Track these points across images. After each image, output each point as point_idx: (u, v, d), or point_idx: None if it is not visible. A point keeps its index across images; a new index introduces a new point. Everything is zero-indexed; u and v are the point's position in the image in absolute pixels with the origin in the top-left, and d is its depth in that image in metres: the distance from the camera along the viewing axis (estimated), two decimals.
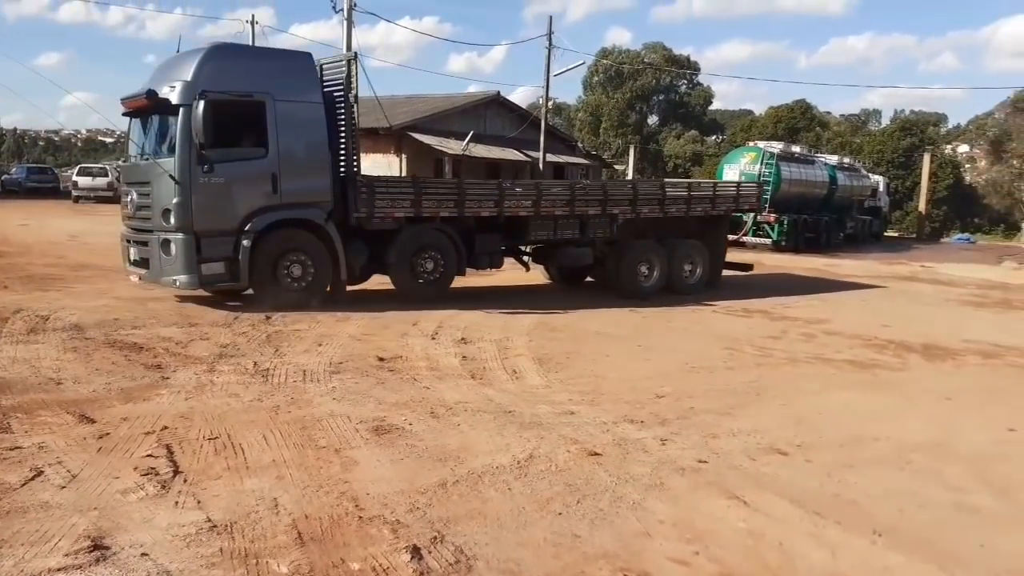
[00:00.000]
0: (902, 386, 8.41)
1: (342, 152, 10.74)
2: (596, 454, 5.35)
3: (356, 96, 10.69)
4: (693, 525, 4.43)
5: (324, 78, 10.77)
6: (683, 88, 61.23)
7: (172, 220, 9.39)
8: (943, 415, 7.30)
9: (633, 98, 57.91)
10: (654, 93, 59.57)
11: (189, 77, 9.35)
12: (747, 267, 16.01)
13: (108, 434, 5.33)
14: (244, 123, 9.59)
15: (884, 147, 45.05)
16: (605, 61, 55.71)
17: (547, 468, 5.07)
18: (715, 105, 66.09)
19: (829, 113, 66.47)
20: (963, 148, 61.24)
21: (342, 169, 10.72)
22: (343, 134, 10.64)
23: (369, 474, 4.80)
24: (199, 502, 4.29)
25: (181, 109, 9.26)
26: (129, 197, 10.15)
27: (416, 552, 3.84)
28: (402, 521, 4.18)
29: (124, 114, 10.36)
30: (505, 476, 4.89)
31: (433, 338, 9.26)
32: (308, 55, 10.66)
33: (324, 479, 4.68)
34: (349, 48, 20.23)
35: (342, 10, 20.15)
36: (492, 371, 7.86)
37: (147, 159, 9.82)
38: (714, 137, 60.83)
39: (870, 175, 34.78)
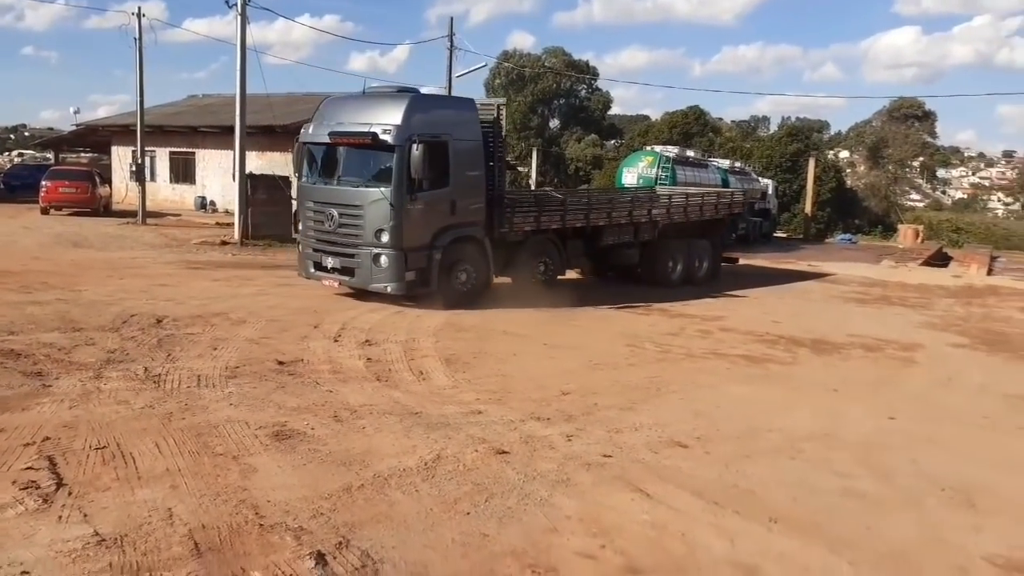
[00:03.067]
0: (793, 379, 8.81)
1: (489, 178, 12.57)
2: (504, 452, 5.36)
3: (504, 135, 13.12)
4: (599, 519, 4.49)
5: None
6: (583, 93, 62.09)
7: (386, 238, 11.17)
8: (830, 406, 7.67)
9: (535, 101, 58.35)
10: (555, 97, 60.19)
11: (399, 122, 11.10)
12: (734, 260, 18.72)
13: None
14: (436, 159, 11.35)
15: (773, 152, 46.98)
16: (507, 64, 56.01)
17: (455, 468, 5.04)
18: (614, 110, 67.44)
19: (721, 119, 69.03)
20: (844, 154, 64.76)
21: (490, 192, 12.45)
22: (491, 164, 12.48)
23: (270, 481, 4.65)
24: (85, 515, 4.04)
25: (397, 149, 11.00)
26: (328, 215, 11.70)
27: (320, 558, 3.74)
28: (305, 527, 4.06)
29: (329, 144, 11.79)
30: (412, 478, 4.83)
31: (336, 340, 9.06)
32: (472, 102, 12.83)
33: (222, 487, 4.50)
34: (243, 44, 19.54)
35: (235, 4, 19.43)
36: (398, 372, 7.76)
37: (362, 186, 11.51)
38: (613, 141, 62.08)
39: (760, 178, 36.23)
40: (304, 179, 12.41)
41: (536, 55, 60.91)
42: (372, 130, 11.09)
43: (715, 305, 14.13)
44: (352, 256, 11.54)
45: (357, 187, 11.53)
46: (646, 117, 73.82)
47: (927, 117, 52.99)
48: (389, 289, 11.37)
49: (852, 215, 48.28)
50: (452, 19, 28.65)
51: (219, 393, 6.50)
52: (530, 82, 58.16)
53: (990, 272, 25.06)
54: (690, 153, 30.31)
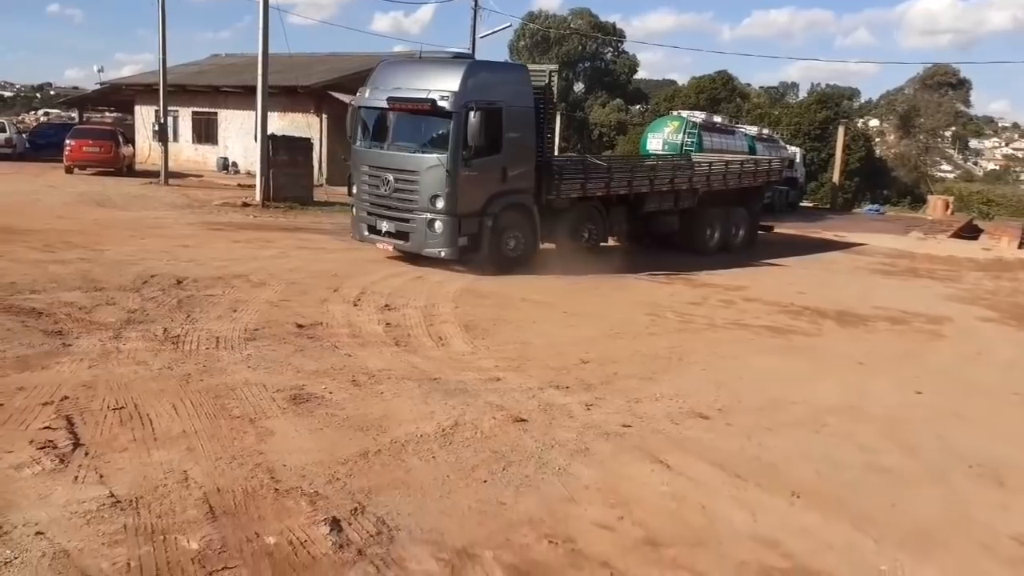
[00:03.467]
0: (817, 351, 8.66)
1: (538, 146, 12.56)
2: (522, 420, 5.30)
3: (555, 103, 13.19)
4: (618, 490, 4.43)
5: None
6: (609, 56, 61.19)
7: (441, 204, 11.26)
8: (856, 379, 7.54)
9: (560, 64, 57.65)
10: (580, 60, 59.35)
11: (457, 89, 11.07)
12: (770, 228, 18.94)
13: (1, 405, 4.97)
14: (490, 126, 11.30)
15: (801, 119, 46.08)
16: (532, 26, 55.23)
17: (472, 435, 4.99)
18: (640, 75, 66.42)
19: (749, 85, 67.66)
20: (874, 123, 63.51)
21: (539, 159, 12.44)
22: (541, 130, 12.45)
23: (286, 445, 4.62)
24: (101, 476, 4.03)
25: (454, 115, 11.05)
26: (383, 179, 11.79)
27: (335, 524, 3.71)
28: (321, 493, 4.03)
29: (387, 109, 11.78)
30: (429, 444, 4.78)
31: (355, 304, 9.02)
32: (525, 68, 13.02)
33: (238, 451, 4.48)
34: (267, 4, 19.35)
35: None
36: (417, 338, 7.71)
37: (418, 151, 11.57)
38: (638, 106, 61.22)
39: (787, 146, 35.60)
40: (359, 143, 12.41)
41: (562, 16, 59.96)
42: (430, 96, 11.12)
43: (738, 275, 13.92)
44: (407, 221, 11.68)
45: (413, 152, 11.62)
46: (673, 82, 72.72)
47: (961, 85, 51.73)
48: (443, 254, 11.52)
49: (881, 185, 47.39)
50: None
51: (237, 355, 6.48)
52: (555, 44, 57.36)
53: (1021, 246, 24.54)
54: (717, 119, 29.79)
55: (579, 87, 58.59)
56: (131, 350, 6.40)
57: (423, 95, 11.21)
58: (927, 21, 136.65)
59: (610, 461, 4.82)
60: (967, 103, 54.66)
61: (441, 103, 11.04)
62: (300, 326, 7.68)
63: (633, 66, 60.28)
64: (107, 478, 4.02)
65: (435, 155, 11.28)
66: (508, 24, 33.08)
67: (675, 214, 15.19)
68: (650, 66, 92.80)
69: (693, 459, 4.96)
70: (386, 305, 9.08)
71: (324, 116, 25.73)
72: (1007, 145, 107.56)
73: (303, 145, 20.79)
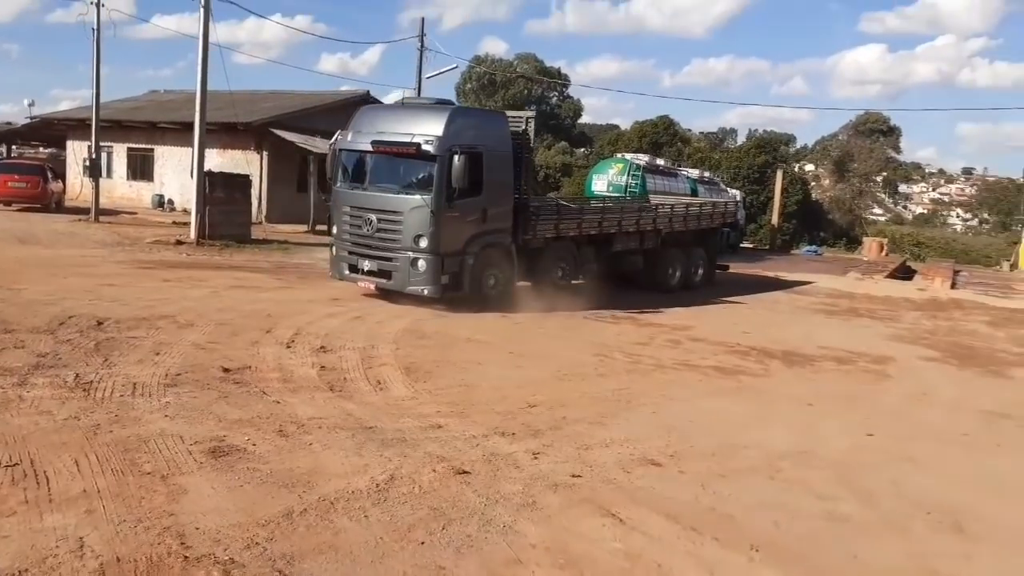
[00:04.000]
0: (766, 392, 8.50)
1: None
2: (464, 472, 4.93)
3: (532, 145, 13.66)
4: (567, 548, 4.09)
5: None
6: (554, 100, 62.16)
7: (425, 243, 11.54)
8: (806, 421, 7.38)
9: (506, 107, 58.12)
10: (527, 103, 59.96)
11: (440, 133, 11.44)
12: (726, 267, 19.77)
13: None
14: (472, 169, 11.56)
15: (741, 163, 47.19)
16: (478, 69, 55.75)
17: (410, 491, 4.59)
18: (584, 119, 67.55)
19: (690, 130, 69.22)
20: (809, 167, 65.41)
21: (516, 200, 12.86)
22: (518, 173, 12.85)
23: (200, 505, 4.15)
24: None
25: (438, 158, 11.35)
26: (366, 219, 12.01)
27: None
28: (237, 560, 3.59)
29: (371, 152, 12.11)
30: (362, 502, 4.37)
31: (289, 346, 8.55)
32: (504, 115, 13.61)
33: (145, 512, 4.00)
34: (206, 37, 18.91)
35: None
36: (354, 382, 7.29)
37: (402, 193, 11.89)
38: (583, 149, 62.03)
39: (728, 189, 36.25)
40: (339, 184, 12.70)
41: (508, 61, 60.71)
42: (415, 140, 11.47)
43: (683, 314, 13.83)
44: (390, 260, 11.91)
45: (397, 194, 11.93)
46: (616, 126, 74.02)
47: (892, 132, 53.76)
48: (425, 292, 11.74)
49: (817, 227, 48.65)
50: (423, 19, 28.10)
51: (155, 403, 5.96)
52: (501, 88, 57.99)
53: (953, 286, 25.21)
54: (660, 162, 30.15)
55: None
56: (35, 398, 5.83)
57: (407, 139, 11.54)
58: (857, 72, 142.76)
59: (559, 516, 4.48)
60: (897, 149, 56.82)
61: (426, 147, 11.40)
62: (227, 370, 7.19)
63: (578, 110, 61.27)
64: None
65: (419, 196, 11.58)
66: (454, 66, 33.22)
67: (640, 254, 15.86)
68: (594, 111, 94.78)
69: (646, 511, 4.66)
70: (322, 347, 8.64)
71: (265, 153, 25.19)
72: (934, 190, 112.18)
73: (241, 182, 20.23)
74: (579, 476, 5.12)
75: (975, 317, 17.48)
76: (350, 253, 12.39)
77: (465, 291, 12.03)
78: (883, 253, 38.53)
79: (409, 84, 28.14)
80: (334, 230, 12.81)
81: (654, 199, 19.34)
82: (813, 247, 42.06)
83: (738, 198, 36.53)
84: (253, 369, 7.34)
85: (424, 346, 9.22)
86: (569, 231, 13.90)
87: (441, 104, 12.91)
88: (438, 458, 5.16)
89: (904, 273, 29.32)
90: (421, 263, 11.59)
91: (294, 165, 25.50)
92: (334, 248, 12.81)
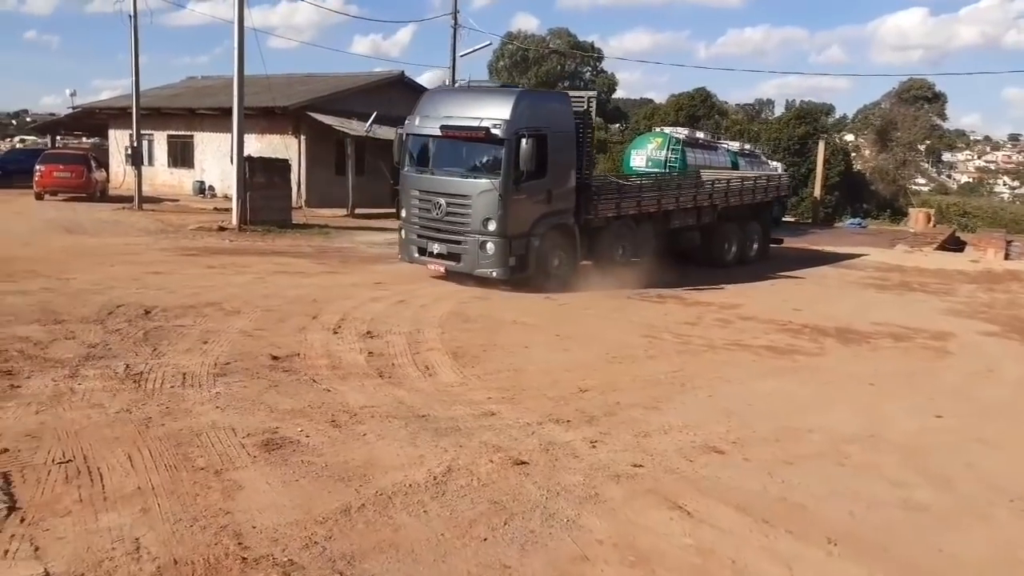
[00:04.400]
0: (823, 372, 8.22)
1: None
2: (523, 463, 4.77)
3: (593, 128, 13.66)
4: (635, 543, 3.91)
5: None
6: (588, 75, 61.29)
7: (493, 226, 11.68)
8: (869, 403, 7.09)
9: (539, 83, 57.49)
10: (560, 79, 59.32)
11: (508, 117, 11.55)
12: (780, 241, 19.75)
13: None
14: (537, 152, 11.67)
15: (780, 135, 46.10)
16: (511, 45, 55.18)
17: (468, 483, 4.44)
18: (618, 94, 66.50)
19: (726, 102, 67.81)
20: (849, 137, 63.70)
21: (578, 180, 12.93)
22: (579, 153, 12.95)
23: (256, 501, 4.05)
24: (37, 548, 3.46)
25: (506, 142, 11.49)
26: (435, 203, 12.21)
27: None
28: (296, 561, 3.47)
29: (440, 137, 12.20)
30: (420, 496, 4.24)
31: (335, 332, 8.46)
32: (567, 96, 13.42)
33: (200, 510, 3.91)
34: (241, 20, 18.84)
35: None
36: (402, 368, 7.17)
37: (470, 176, 12.05)
38: (618, 125, 61.19)
39: (769, 161, 35.47)
40: (407, 168, 12.84)
41: (540, 37, 59.98)
42: (483, 124, 11.57)
43: (730, 292, 13.52)
44: (459, 243, 12.08)
45: (465, 177, 12.07)
46: (650, 100, 72.79)
47: (937, 99, 52.03)
48: (495, 274, 11.91)
49: (860, 199, 47.43)
50: None
51: (205, 394, 5.90)
52: (534, 64, 57.37)
53: (1007, 257, 24.41)
54: (700, 135, 29.50)
55: None
56: (87, 391, 5.80)
57: (475, 123, 11.67)
58: (898, 37, 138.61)
59: (623, 509, 4.30)
60: (943, 116, 54.99)
61: (494, 131, 11.51)
62: (275, 358, 7.12)
63: (612, 85, 60.36)
64: (43, 551, 3.44)
65: (488, 180, 11.75)
66: (488, 43, 32.75)
67: (697, 229, 15.93)
68: (628, 85, 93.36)
69: (714, 503, 4.46)
70: (368, 332, 8.54)
71: (302, 137, 25.15)
72: (979, 158, 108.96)
73: (280, 166, 20.22)
74: (640, 466, 4.94)
75: None
76: (419, 236, 12.59)
77: (531, 272, 12.14)
78: (930, 224, 37.43)
79: (443, 63, 27.98)
80: (403, 213, 12.94)
81: (705, 174, 18.89)
82: (857, 219, 41.04)
83: (780, 170, 35.82)
84: (301, 356, 7.27)
85: (470, 330, 9.08)
86: (629, 209, 13.91)
87: (506, 88, 13.43)
88: (494, 448, 5.01)
89: (954, 244, 28.44)
90: (490, 246, 11.76)
91: (331, 148, 25.46)
92: (403, 231, 13.00)
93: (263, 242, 17.13)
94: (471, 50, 28.88)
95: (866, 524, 4.40)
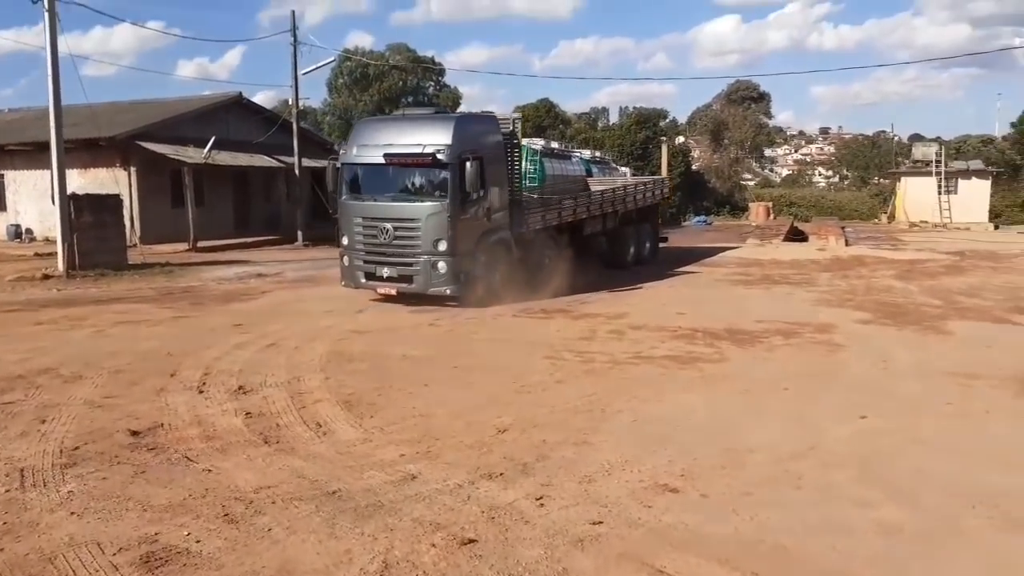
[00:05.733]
0: (734, 380, 7.97)
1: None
2: (471, 541, 4.01)
3: (520, 145, 14.12)
4: None
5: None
6: (431, 90, 60.72)
7: (444, 246, 12.19)
8: (792, 410, 6.86)
9: (381, 100, 56.26)
10: (403, 95, 58.37)
11: (450, 142, 12.09)
12: (665, 239, 21.41)
13: None
14: (478, 174, 12.28)
15: (624, 140, 47.59)
16: (349, 62, 53.64)
17: None
18: (461, 107, 66.33)
19: (566, 112, 69.34)
20: (680, 139, 66.77)
21: (510, 197, 13.62)
22: (510, 172, 13.64)
23: None
24: None
25: (450, 166, 12.04)
26: (381, 229, 12.55)
27: None
28: None
29: (384, 165, 12.50)
30: None
31: (201, 391, 7.32)
32: (495, 118, 13.92)
33: None
34: (55, 48, 16.80)
35: (41, 0, 16.62)
36: (290, 428, 6.20)
37: (417, 201, 12.50)
38: None
39: (619, 167, 36.28)
40: (346, 197, 13.10)
41: (379, 52, 58.84)
42: (427, 150, 12.05)
43: (611, 301, 13.35)
44: (410, 264, 12.50)
45: (412, 202, 12.55)
46: (441, 107, 73.04)
47: (762, 98, 55.59)
48: (448, 291, 12.39)
49: (700, 197, 49.68)
50: (294, 13, 26.28)
51: (54, 495, 4.69)
52: (375, 80, 56.13)
53: (848, 243, 26.04)
54: (554, 145, 29.53)
55: None
56: None
57: (418, 149, 12.11)
58: (716, 43, 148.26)
59: None
60: (768, 114, 58.83)
61: (440, 156, 11.99)
62: (135, 433, 5.96)
63: (456, 99, 60.04)
64: None
65: (436, 202, 12.25)
66: (332, 59, 31.40)
67: (603, 235, 17.31)
68: (470, 99, 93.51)
69: (694, 559, 3.90)
70: (240, 387, 7.46)
71: (133, 169, 22.90)
72: (797, 151, 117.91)
73: (111, 203, 18.20)
74: (600, 522, 4.31)
75: (882, 272, 17.88)
76: (366, 262, 12.88)
77: (478, 286, 12.57)
78: (770, 217, 39.70)
79: (281, 82, 26.42)
80: (344, 241, 13.16)
81: (593, 184, 19.66)
82: (702, 217, 42.93)
83: (629, 176, 36.71)
84: (167, 428, 6.13)
85: (357, 371, 8.18)
86: (552, 221, 14.83)
87: (441, 114, 14.20)
88: (432, 525, 4.20)
89: (796, 234, 30.11)
90: (441, 265, 12.25)
91: (166, 179, 23.41)
92: (345, 258, 13.22)
93: (97, 288, 15.27)
94: (315, 67, 27.57)
95: (854, 559, 3.99)
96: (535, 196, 15.39)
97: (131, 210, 21.92)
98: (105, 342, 9.73)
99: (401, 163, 12.46)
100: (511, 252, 13.44)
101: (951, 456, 5.65)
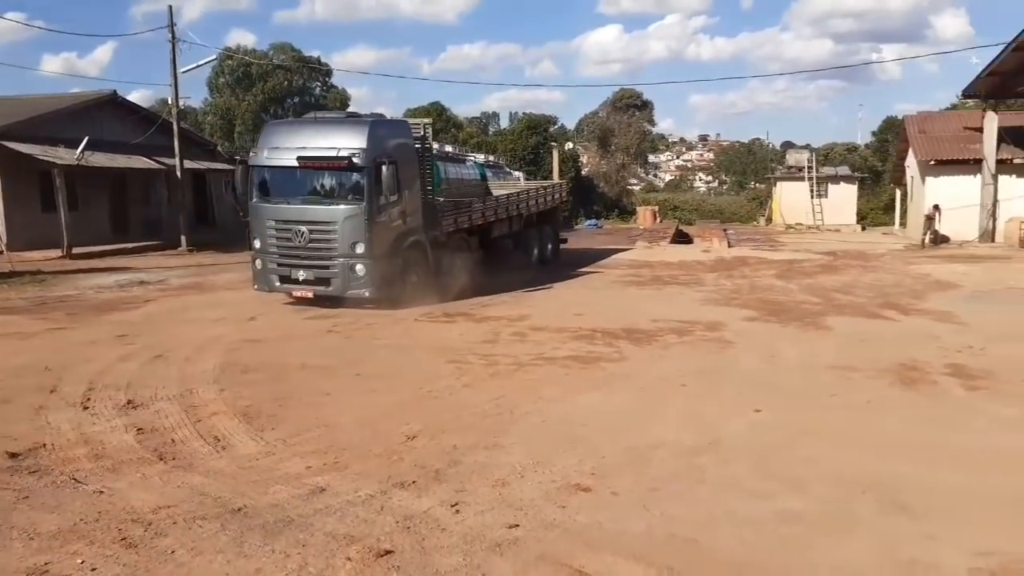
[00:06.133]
0: (635, 378, 8.19)
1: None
2: (387, 552, 3.92)
3: (431, 149, 14.42)
4: None
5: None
6: (318, 90, 59.40)
7: (361, 248, 12.27)
8: (691, 407, 7.09)
9: (266, 100, 54.62)
10: (288, 95, 56.87)
11: (365, 146, 12.23)
12: (565, 240, 22.07)
13: None
14: (394, 177, 12.35)
15: (516, 145, 48.14)
16: (231, 61, 51.79)
17: None
18: (351, 108, 65.32)
19: (457, 116, 69.48)
20: (568, 145, 68.21)
21: (424, 199, 13.83)
22: (423, 175, 13.88)
23: None
24: None
25: (366, 169, 12.18)
26: (296, 232, 12.48)
27: None
28: None
29: (297, 168, 12.45)
30: None
31: (85, 408, 6.88)
32: (407, 122, 14.46)
33: None
34: None
35: None
36: (186, 443, 5.91)
37: (332, 204, 12.54)
38: None
39: (512, 171, 36.58)
40: (257, 199, 12.97)
41: (263, 52, 57.11)
42: (342, 153, 12.12)
43: (512, 303, 13.43)
44: (327, 267, 12.50)
45: (328, 205, 12.55)
46: (382, 115, 72.31)
47: (646, 106, 57.27)
48: (367, 294, 12.43)
49: (590, 202, 50.80)
50: (171, 8, 25.03)
51: None
52: (259, 80, 54.47)
53: (730, 245, 27.21)
54: (448, 148, 29.50)
55: None
56: None
57: (332, 152, 12.17)
58: (600, 52, 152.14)
59: None
60: (652, 122, 60.71)
61: (355, 160, 12.10)
62: (13, 455, 5.53)
63: (344, 99, 59.00)
64: None
65: (352, 205, 12.32)
66: (214, 57, 30.25)
67: (510, 238, 17.85)
68: (357, 102, 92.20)
69: (611, 557, 3.97)
70: (129, 402, 7.07)
71: None
72: (678, 157, 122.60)
73: None
74: (516, 525, 4.32)
75: (763, 272, 18.76)
76: (280, 265, 12.80)
77: (394, 288, 12.66)
78: (657, 220, 40.99)
79: (159, 81, 25.19)
80: (256, 244, 13.03)
81: (495, 189, 19.95)
82: (593, 220, 43.88)
83: (522, 180, 37.10)
84: (49, 448, 5.72)
85: (254, 382, 7.89)
86: (464, 224, 15.18)
87: (354, 118, 13.93)
88: (346, 539, 4.08)
89: (682, 237, 31.24)
90: (359, 267, 12.30)
91: (35, 180, 21.88)
92: (257, 262, 13.08)
93: None
94: (195, 65, 26.50)
95: (760, 550, 4.17)
96: (447, 200, 15.50)
97: None
98: None
99: (317, 166, 12.47)
100: (427, 254, 13.63)
101: (839, 445, 5.97)
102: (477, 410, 6.84)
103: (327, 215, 12.47)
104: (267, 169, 12.88)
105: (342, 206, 12.42)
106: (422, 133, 14.10)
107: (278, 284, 12.93)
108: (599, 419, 6.65)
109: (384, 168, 12.15)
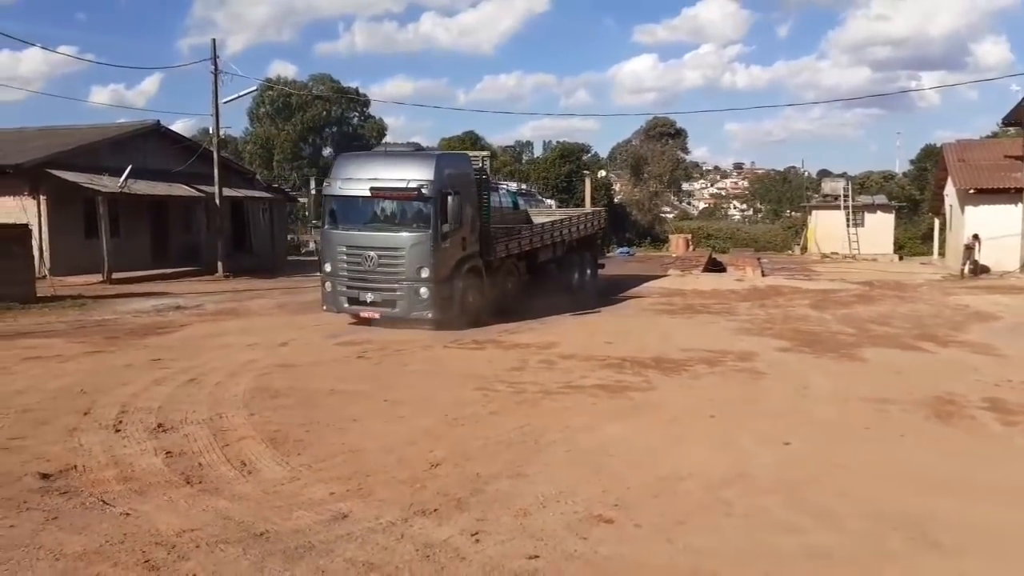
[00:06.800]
0: (663, 409, 8.10)
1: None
2: None
3: (488, 180, 15.33)
4: None
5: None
6: (356, 120, 60.48)
7: (426, 273, 13.06)
8: (720, 438, 6.98)
9: (305, 130, 55.76)
10: (326, 125, 57.97)
11: (432, 177, 13.02)
12: (602, 266, 22.29)
13: None
14: (458, 206, 13.22)
15: (549, 173, 48.42)
16: (271, 92, 53.00)
17: None
18: (387, 138, 66.26)
19: (492, 145, 70.14)
20: (602, 173, 68.40)
21: (481, 227, 14.56)
22: (481, 204, 14.61)
23: None
24: None
25: (432, 200, 12.99)
26: (365, 256, 13.36)
27: None
28: None
29: (369, 197, 13.39)
30: None
31: (117, 430, 6.99)
32: (468, 156, 15.62)
33: None
34: None
35: None
36: (213, 468, 5.97)
37: (401, 231, 13.43)
38: None
39: (544, 199, 36.76)
40: (329, 226, 14.01)
41: (303, 82, 58.32)
42: (411, 185, 12.95)
43: (541, 331, 13.39)
44: (393, 290, 13.30)
45: (396, 232, 13.47)
46: (418, 144, 73.22)
47: (679, 134, 57.32)
48: (430, 315, 13.16)
49: (623, 229, 50.77)
50: (215, 40, 25.79)
51: None
52: (298, 110, 55.59)
53: (764, 274, 26.93)
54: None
55: (328, 151, 56.98)
56: None
57: (402, 183, 13.00)
58: (635, 81, 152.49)
59: None
60: (685, 150, 60.72)
61: (424, 191, 12.91)
62: (45, 476, 5.64)
63: (381, 129, 60.01)
64: None
65: (419, 232, 13.16)
66: (255, 88, 30.91)
67: (554, 263, 18.38)
68: (394, 131, 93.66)
69: None
70: (159, 425, 7.16)
71: (43, 197, 21.85)
72: (712, 185, 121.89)
73: (18, 233, 17.34)
74: (537, 556, 4.28)
75: (797, 301, 18.52)
76: (349, 287, 13.62)
77: (455, 312, 13.36)
78: (690, 248, 40.77)
79: (201, 111, 25.86)
80: (326, 267, 13.88)
81: (535, 216, 21.03)
82: (625, 248, 43.81)
83: (554, 207, 37.24)
84: (80, 469, 5.81)
85: (283, 407, 7.95)
86: (515, 249, 15.90)
87: (422, 151, 15.46)
88: (365, 566, 4.09)
89: (715, 265, 31.00)
90: (424, 291, 13.07)
91: (79, 208, 22.43)
92: (327, 284, 13.90)
93: (2, 323, 14.46)
94: (236, 96, 27.09)
95: None
96: (502, 227, 16.27)
97: (40, 240, 20.94)
98: (12, 381, 9.19)
99: (387, 196, 13.38)
100: (483, 279, 14.31)
101: (871, 479, 5.84)
102: (503, 438, 6.82)
103: (395, 241, 13.31)
104: (340, 198, 13.82)
105: (409, 233, 13.28)
106: (481, 165, 15.07)
107: (346, 305, 13.74)
108: (625, 449, 6.59)
109: (449, 198, 12.97)
